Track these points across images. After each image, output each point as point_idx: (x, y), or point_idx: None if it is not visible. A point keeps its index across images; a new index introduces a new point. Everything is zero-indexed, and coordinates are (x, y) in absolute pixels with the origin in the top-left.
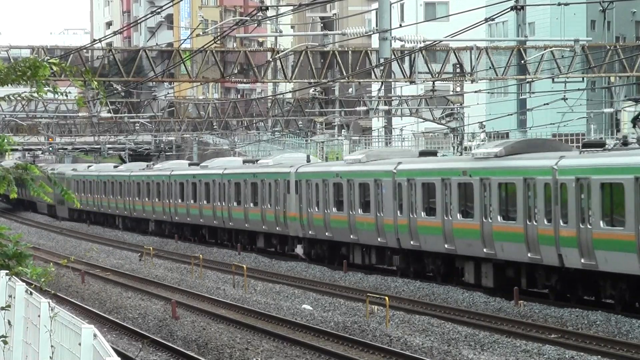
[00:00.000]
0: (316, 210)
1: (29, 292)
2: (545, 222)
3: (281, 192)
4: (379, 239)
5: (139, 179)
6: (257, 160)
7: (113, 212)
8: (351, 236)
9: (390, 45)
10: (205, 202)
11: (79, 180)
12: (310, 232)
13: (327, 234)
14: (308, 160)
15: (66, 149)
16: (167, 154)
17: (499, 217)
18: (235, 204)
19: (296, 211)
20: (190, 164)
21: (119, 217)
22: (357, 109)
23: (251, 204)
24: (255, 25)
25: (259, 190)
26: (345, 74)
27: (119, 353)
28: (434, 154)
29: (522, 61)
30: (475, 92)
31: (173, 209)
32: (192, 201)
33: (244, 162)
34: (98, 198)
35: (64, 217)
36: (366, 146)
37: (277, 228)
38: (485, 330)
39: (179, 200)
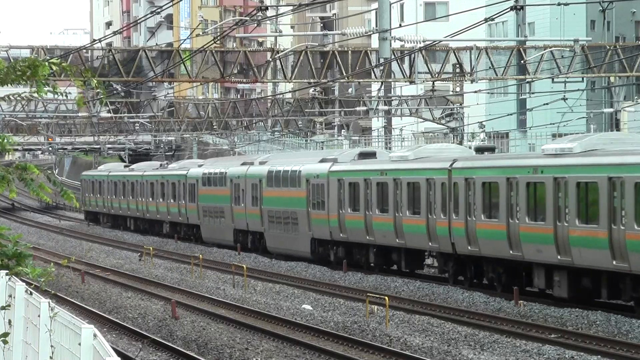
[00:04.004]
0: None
1: (29, 292)
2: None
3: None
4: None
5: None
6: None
7: (427, 246)
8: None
9: (390, 45)
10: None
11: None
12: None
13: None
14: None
15: (66, 149)
16: (166, 153)
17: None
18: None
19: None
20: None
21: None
22: (357, 109)
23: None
24: (255, 25)
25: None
26: (345, 74)
27: (119, 353)
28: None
29: (522, 61)
30: (475, 92)
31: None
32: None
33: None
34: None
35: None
36: (366, 146)
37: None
38: (485, 330)
39: None
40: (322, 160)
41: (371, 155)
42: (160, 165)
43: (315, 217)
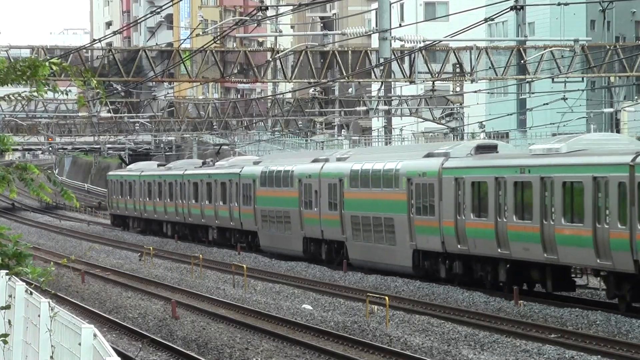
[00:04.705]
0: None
1: (29, 292)
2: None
3: None
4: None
5: None
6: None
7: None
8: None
9: (390, 45)
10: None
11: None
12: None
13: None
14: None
15: (66, 149)
16: (166, 153)
17: None
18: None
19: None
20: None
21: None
22: (357, 109)
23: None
24: (255, 25)
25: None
26: (345, 74)
27: (119, 353)
28: None
29: (522, 61)
30: (475, 92)
31: None
32: None
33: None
34: None
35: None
36: (366, 146)
37: None
38: (485, 330)
39: None
40: (429, 155)
41: (491, 148)
42: (204, 163)
43: (420, 224)
